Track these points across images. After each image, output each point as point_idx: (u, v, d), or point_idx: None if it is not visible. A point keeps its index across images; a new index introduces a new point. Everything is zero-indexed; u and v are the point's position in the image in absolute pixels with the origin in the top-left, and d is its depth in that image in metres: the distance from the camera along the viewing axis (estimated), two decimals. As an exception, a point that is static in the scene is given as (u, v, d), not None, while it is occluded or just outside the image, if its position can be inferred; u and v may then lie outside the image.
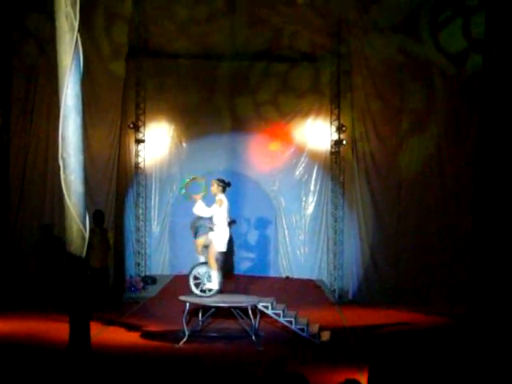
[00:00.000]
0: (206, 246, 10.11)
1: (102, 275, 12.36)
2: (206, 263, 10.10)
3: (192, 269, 10.19)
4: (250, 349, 9.35)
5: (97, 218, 12.31)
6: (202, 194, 10.03)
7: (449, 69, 13.25)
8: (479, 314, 11.62)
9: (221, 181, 10.12)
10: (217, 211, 9.95)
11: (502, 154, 12.29)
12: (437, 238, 13.42)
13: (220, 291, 10.20)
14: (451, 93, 13.26)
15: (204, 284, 10.06)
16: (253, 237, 15.08)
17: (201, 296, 10.02)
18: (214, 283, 10.01)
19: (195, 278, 10.12)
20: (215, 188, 10.06)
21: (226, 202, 10.02)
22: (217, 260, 10.04)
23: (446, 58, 13.23)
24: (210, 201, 10.05)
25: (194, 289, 10.08)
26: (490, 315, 11.35)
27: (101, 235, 12.38)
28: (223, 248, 10.10)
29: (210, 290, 10.05)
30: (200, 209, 9.89)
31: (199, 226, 10.16)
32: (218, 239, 10.00)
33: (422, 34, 13.40)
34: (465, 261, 12.87)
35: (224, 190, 10.10)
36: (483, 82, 12.53)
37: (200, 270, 10.15)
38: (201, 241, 10.15)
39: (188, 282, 10.11)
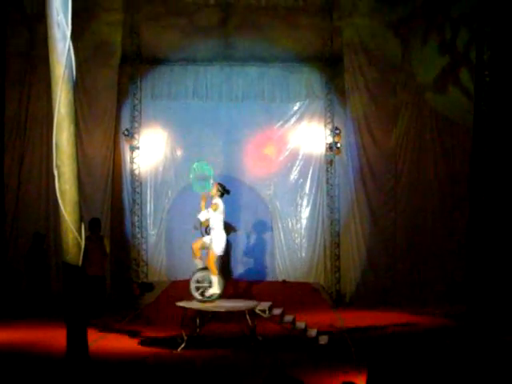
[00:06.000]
0: (203, 249, 10.19)
1: (99, 283, 12.35)
2: (206, 268, 10.16)
3: (193, 274, 10.28)
4: (249, 353, 9.33)
5: (93, 225, 12.32)
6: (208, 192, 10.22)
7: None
8: (477, 314, 11.62)
9: (222, 186, 10.24)
10: (213, 215, 10.04)
11: (497, 156, 12.27)
12: (433, 239, 13.50)
13: (221, 295, 10.24)
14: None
15: (206, 290, 10.13)
16: (249, 241, 15.04)
17: (203, 301, 10.06)
18: (215, 288, 10.07)
19: (197, 282, 10.19)
20: (215, 191, 10.16)
21: (221, 206, 10.11)
22: (216, 264, 10.12)
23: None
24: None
25: (195, 294, 10.15)
26: (489, 315, 11.36)
27: (97, 243, 12.37)
28: (222, 252, 10.19)
29: (211, 296, 10.11)
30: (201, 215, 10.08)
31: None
32: (217, 243, 10.07)
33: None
34: (461, 261, 12.88)
35: (222, 196, 10.20)
36: (478, 83, 12.52)
37: (201, 275, 10.22)
38: (197, 245, 10.25)
39: (189, 287, 10.20)
